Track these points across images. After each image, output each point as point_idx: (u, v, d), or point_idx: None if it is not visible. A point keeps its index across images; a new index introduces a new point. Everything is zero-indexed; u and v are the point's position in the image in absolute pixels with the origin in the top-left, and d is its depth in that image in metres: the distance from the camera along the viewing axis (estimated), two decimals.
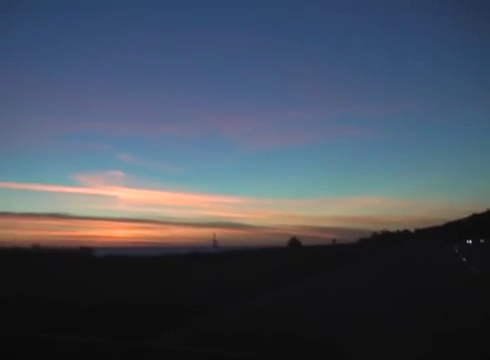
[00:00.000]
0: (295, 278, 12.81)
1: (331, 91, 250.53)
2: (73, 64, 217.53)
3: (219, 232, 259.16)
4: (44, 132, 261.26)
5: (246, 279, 12.03)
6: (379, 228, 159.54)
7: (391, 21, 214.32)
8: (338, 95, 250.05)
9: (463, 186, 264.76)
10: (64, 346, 1.91)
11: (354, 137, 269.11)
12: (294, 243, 71.17)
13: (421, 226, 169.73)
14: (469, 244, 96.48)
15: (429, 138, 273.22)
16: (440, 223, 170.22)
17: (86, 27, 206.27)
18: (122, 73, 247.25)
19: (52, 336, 2.25)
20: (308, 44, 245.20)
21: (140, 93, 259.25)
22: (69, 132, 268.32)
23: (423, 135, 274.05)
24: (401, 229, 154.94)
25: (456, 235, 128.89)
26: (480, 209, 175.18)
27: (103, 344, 1.97)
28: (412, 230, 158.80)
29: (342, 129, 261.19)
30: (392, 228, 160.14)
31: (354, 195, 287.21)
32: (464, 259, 24.27)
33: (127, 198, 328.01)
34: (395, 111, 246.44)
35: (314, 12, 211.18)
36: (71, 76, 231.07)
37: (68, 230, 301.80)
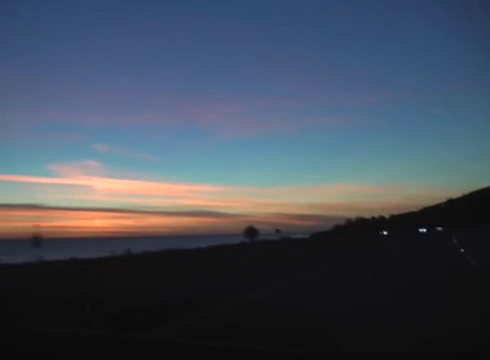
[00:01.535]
0: None
1: (307, 80, 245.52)
2: (47, 55, 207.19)
3: (196, 221, 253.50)
4: (19, 123, 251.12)
5: None
6: (355, 215, 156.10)
7: (377, 8, 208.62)
8: (313, 84, 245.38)
9: (439, 172, 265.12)
10: (61, 339, 1.88)
11: (330, 125, 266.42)
12: (250, 232, 65.11)
13: (397, 212, 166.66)
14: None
15: (405, 126, 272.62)
16: (416, 209, 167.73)
17: (58, 19, 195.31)
18: (97, 62, 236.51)
19: (50, 329, 2.17)
20: (287, 32, 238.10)
21: (115, 83, 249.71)
22: (44, 123, 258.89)
23: (399, 123, 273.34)
24: (376, 215, 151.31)
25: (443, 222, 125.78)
26: (456, 194, 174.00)
27: (99, 336, 1.95)
28: (387, 216, 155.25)
29: (318, 118, 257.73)
30: (367, 214, 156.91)
31: (331, 182, 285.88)
32: None
33: (102, 188, 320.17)
34: (371, 100, 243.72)
35: (295, 1, 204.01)
36: (45, 67, 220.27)
37: (45, 221, 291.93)
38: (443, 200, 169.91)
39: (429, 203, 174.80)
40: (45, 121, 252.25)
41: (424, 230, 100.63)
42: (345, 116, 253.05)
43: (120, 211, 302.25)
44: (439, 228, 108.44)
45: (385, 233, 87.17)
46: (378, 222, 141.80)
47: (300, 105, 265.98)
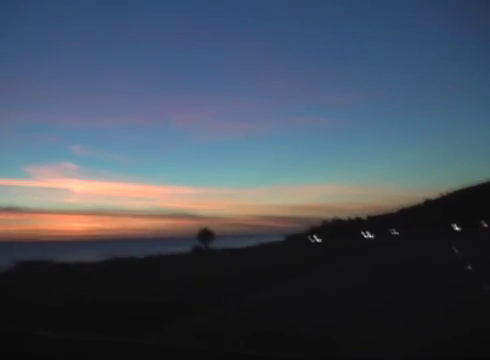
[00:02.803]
0: None
1: (285, 81, 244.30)
2: (22, 56, 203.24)
3: (175, 223, 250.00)
4: None
5: None
6: (331, 216, 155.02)
7: (360, 7, 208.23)
8: (291, 85, 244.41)
9: (416, 173, 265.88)
10: (60, 343, 1.87)
11: (307, 126, 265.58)
12: (204, 236, 62.44)
13: (374, 213, 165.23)
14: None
15: (381, 127, 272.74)
16: (394, 210, 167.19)
17: (33, 20, 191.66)
18: (72, 63, 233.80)
19: (48, 333, 2.15)
20: (269, 31, 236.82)
21: (92, 83, 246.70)
22: (20, 124, 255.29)
23: (375, 124, 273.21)
24: (353, 217, 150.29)
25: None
26: (434, 195, 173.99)
27: (100, 341, 1.93)
28: (364, 217, 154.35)
29: (295, 119, 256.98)
30: (344, 216, 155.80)
31: (310, 183, 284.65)
32: None
33: (80, 190, 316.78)
34: (347, 101, 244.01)
35: (268, 9, 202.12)
36: (20, 68, 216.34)
37: (22, 224, 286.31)
38: (421, 201, 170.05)
39: (407, 204, 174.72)
40: (21, 123, 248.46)
41: (370, 236, 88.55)
42: (322, 117, 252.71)
43: (98, 214, 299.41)
44: (395, 232, 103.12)
45: (318, 240, 76.37)
46: (354, 223, 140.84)
47: (278, 106, 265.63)
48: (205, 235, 61.44)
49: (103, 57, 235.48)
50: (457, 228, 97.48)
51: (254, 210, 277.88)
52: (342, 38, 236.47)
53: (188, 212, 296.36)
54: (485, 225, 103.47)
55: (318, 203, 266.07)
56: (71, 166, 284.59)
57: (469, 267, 16.03)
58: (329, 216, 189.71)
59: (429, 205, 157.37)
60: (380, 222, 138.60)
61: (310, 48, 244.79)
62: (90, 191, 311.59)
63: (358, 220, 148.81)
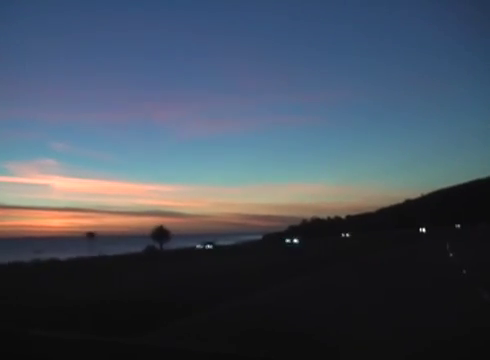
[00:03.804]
0: None
1: (268, 79, 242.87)
2: (1, 51, 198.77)
3: (155, 221, 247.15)
4: None
5: None
6: (311, 215, 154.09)
7: (332, 6, 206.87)
8: (274, 83, 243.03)
9: (396, 173, 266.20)
10: (57, 343, 1.85)
11: (288, 125, 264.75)
12: (159, 234, 60.36)
13: (354, 213, 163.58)
14: None
15: (362, 127, 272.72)
16: (373, 210, 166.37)
17: (13, 15, 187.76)
18: (53, 59, 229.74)
19: (45, 333, 2.10)
20: (248, 29, 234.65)
21: (72, 79, 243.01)
22: (0, 120, 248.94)
23: (357, 124, 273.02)
24: (332, 216, 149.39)
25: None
26: (414, 195, 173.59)
27: (94, 341, 1.90)
28: (343, 217, 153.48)
29: (277, 117, 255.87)
30: (324, 215, 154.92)
31: (290, 182, 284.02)
32: None
33: (61, 187, 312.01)
34: (330, 100, 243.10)
35: (254, 3, 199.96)
36: (0, 64, 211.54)
37: (2, 220, 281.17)
38: (401, 200, 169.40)
39: (387, 203, 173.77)
40: (1, 119, 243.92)
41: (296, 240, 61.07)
42: (304, 116, 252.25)
43: (78, 210, 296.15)
44: (347, 234, 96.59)
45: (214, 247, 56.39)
46: (333, 223, 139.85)
47: (261, 104, 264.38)
48: (160, 234, 59.33)
49: (84, 54, 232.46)
50: (424, 230, 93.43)
51: (235, 209, 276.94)
52: (329, 36, 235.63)
53: (170, 210, 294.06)
54: (458, 226, 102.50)
55: (301, 202, 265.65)
56: (52, 163, 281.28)
57: None
58: (307, 215, 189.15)
59: (409, 205, 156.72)
60: (357, 222, 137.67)
61: (297, 46, 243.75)
62: (71, 188, 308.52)
63: (337, 219, 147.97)
